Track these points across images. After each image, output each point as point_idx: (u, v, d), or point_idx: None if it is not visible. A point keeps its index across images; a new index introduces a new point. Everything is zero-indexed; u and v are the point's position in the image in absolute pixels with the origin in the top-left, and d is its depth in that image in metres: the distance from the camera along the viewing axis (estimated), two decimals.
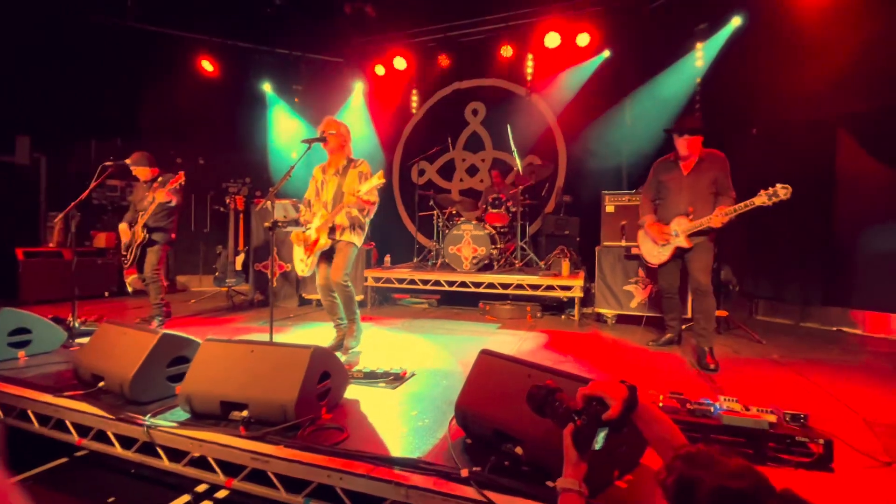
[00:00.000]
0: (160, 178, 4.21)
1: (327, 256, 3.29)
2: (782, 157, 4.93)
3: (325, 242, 3.14)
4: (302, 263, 3.24)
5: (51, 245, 6.11)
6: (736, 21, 5.26)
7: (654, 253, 3.43)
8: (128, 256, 4.15)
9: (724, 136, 5.51)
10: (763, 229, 5.15)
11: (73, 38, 6.26)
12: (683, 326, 4.33)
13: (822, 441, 1.73)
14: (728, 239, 4.99)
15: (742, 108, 5.32)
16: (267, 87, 7.56)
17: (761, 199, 2.83)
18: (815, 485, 1.64)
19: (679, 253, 3.32)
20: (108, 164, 3.92)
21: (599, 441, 1.18)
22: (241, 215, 6.12)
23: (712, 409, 1.94)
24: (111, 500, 2.28)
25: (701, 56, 5.62)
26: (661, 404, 2.01)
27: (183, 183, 4.13)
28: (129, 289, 4.45)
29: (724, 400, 1.99)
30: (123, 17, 6.51)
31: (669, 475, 0.92)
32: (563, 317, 5.10)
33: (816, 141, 4.71)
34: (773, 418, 1.83)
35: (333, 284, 3.25)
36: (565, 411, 1.24)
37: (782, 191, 2.75)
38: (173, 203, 4.13)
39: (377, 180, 3.02)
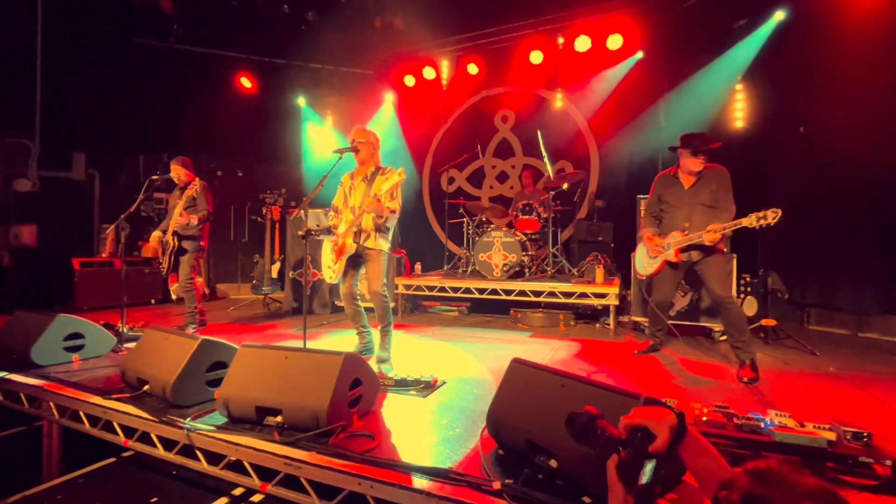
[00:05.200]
0: (189, 186, 4.34)
1: (354, 263, 3.33)
2: (833, 155, 4.64)
3: (350, 246, 3.18)
4: (330, 270, 3.28)
5: (103, 255, 6.49)
6: (779, 15, 5.03)
7: (645, 265, 3.47)
8: (163, 264, 4.32)
9: (768, 137, 5.27)
10: (813, 232, 4.85)
11: (122, 62, 6.70)
12: (722, 337, 4.14)
13: (889, 462, 1.58)
14: (775, 244, 4.73)
15: (788, 106, 5.06)
16: (301, 101, 7.82)
17: (749, 221, 2.83)
18: None
19: (685, 267, 3.29)
20: (154, 177, 4.13)
21: (647, 474, 1.08)
22: (277, 225, 6.32)
23: (762, 424, 1.81)
24: (154, 500, 2.36)
25: (741, 53, 5.39)
26: (705, 418, 1.90)
27: (198, 189, 4.25)
28: (174, 296, 4.66)
29: (776, 415, 1.86)
30: (168, 40, 6.91)
31: (733, 492, 0.84)
32: (597, 325, 4.96)
33: (871, 138, 4.40)
34: (832, 436, 1.69)
35: (371, 294, 3.28)
36: (608, 442, 1.14)
37: (771, 214, 2.75)
38: (193, 223, 4.17)
39: (398, 177, 3.04)
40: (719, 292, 3.11)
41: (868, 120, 4.39)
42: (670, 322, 4.42)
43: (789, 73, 5.02)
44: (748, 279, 4.42)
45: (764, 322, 4.14)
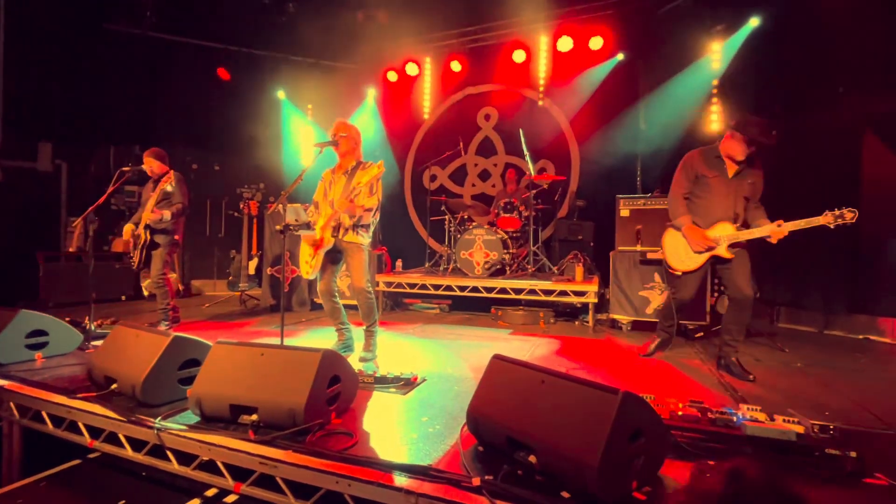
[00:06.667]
0: (163, 179, 4.18)
1: (332, 258, 3.27)
2: (804, 159, 4.80)
3: (329, 241, 3.12)
4: (307, 265, 3.20)
5: (70, 249, 6.23)
6: (754, 22, 5.17)
7: (683, 258, 3.02)
8: (134, 258, 4.17)
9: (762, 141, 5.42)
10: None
11: (92, 48, 6.44)
12: (698, 335, 4.24)
13: (853, 454, 1.64)
14: (747, 244, 4.86)
15: (761, 109, 5.20)
16: (281, 94, 7.67)
17: (826, 219, 2.60)
18: (847, 500, 1.55)
19: (711, 262, 3.02)
20: (125, 169, 3.97)
21: None
22: (255, 220, 6.18)
23: (735, 418, 1.86)
24: (122, 502, 2.28)
25: (718, 58, 5.53)
26: (680, 412, 1.94)
27: (173, 182, 4.12)
28: (145, 292, 4.49)
29: (747, 409, 1.92)
30: (142, 27, 6.67)
31: None
32: (576, 323, 5.02)
33: (841, 143, 4.57)
34: (800, 429, 1.75)
35: (355, 291, 3.22)
36: None
37: (849, 214, 2.56)
38: (166, 218, 4.06)
39: (377, 170, 3.00)
40: (749, 291, 2.91)
41: (839, 125, 4.56)
42: (647, 320, 4.52)
43: (763, 78, 5.16)
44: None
45: None
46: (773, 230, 2.77)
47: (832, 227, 2.63)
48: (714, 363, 3.23)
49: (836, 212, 2.60)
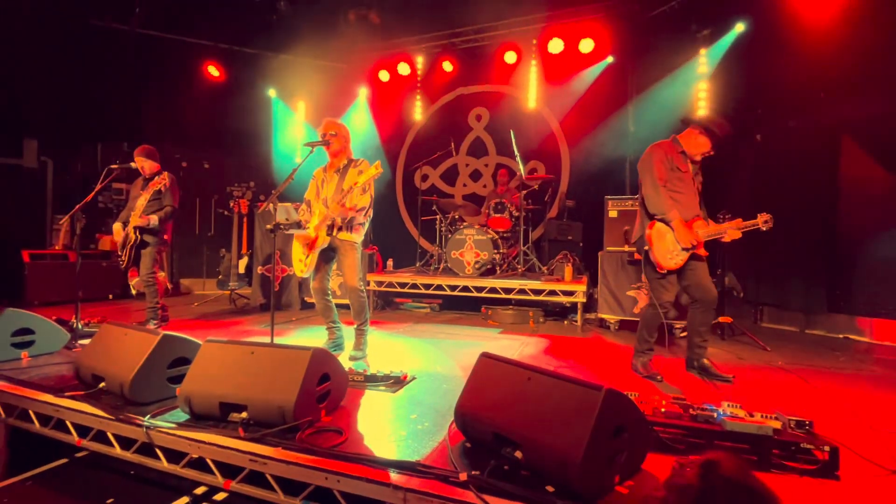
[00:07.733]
0: (156, 178, 4.16)
1: (326, 257, 3.28)
2: (786, 162, 4.91)
3: (323, 240, 3.13)
4: (301, 264, 3.21)
5: (56, 247, 6.16)
6: (739, 27, 5.27)
7: (668, 256, 2.88)
8: (122, 257, 4.14)
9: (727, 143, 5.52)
10: (766, 235, 5.08)
11: (79, 44, 6.36)
12: (682, 334, 4.30)
13: (827, 448, 1.70)
14: (730, 245, 4.96)
15: (746, 113, 5.31)
16: (272, 93, 7.63)
17: (761, 223, 2.81)
18: (821, 493, 1.61)
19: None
20: (113, 167, 3.94)
21: None
22: (245, 219, 6.15)
23: (715, 414, 1.91)
24: (110, 501, 2.27)
25: (704, 62, 5.63)
26: (663, 409, 1.99)
27: (167, 184, 4.11)
28: (133, 291, 4.46)
29: (728, 405, 1.97)
30: (130, 24, 6.60)
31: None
32: (565, 322, 5.08)
33: (820, 146, 4.68)
34: (777, 424, 1.80)
35: (348, 290, 3.24)
36: None
37: (771, 221, 2.80)
38: (152, 223, 4.04)
39: (374, 170, 2.98)
40: (715, 292, 2.91)
41: (819, 128, 4.67)
42: (634, 319, 4.58)
43: (747, 83, 5.27)
44: None
45: (721, 319, 4.34)
46: (729, 229, 2.86)
47: (764, 229, 2.80)
48: (704, 368, 3.18)
49: (766, 217, 2.80)
